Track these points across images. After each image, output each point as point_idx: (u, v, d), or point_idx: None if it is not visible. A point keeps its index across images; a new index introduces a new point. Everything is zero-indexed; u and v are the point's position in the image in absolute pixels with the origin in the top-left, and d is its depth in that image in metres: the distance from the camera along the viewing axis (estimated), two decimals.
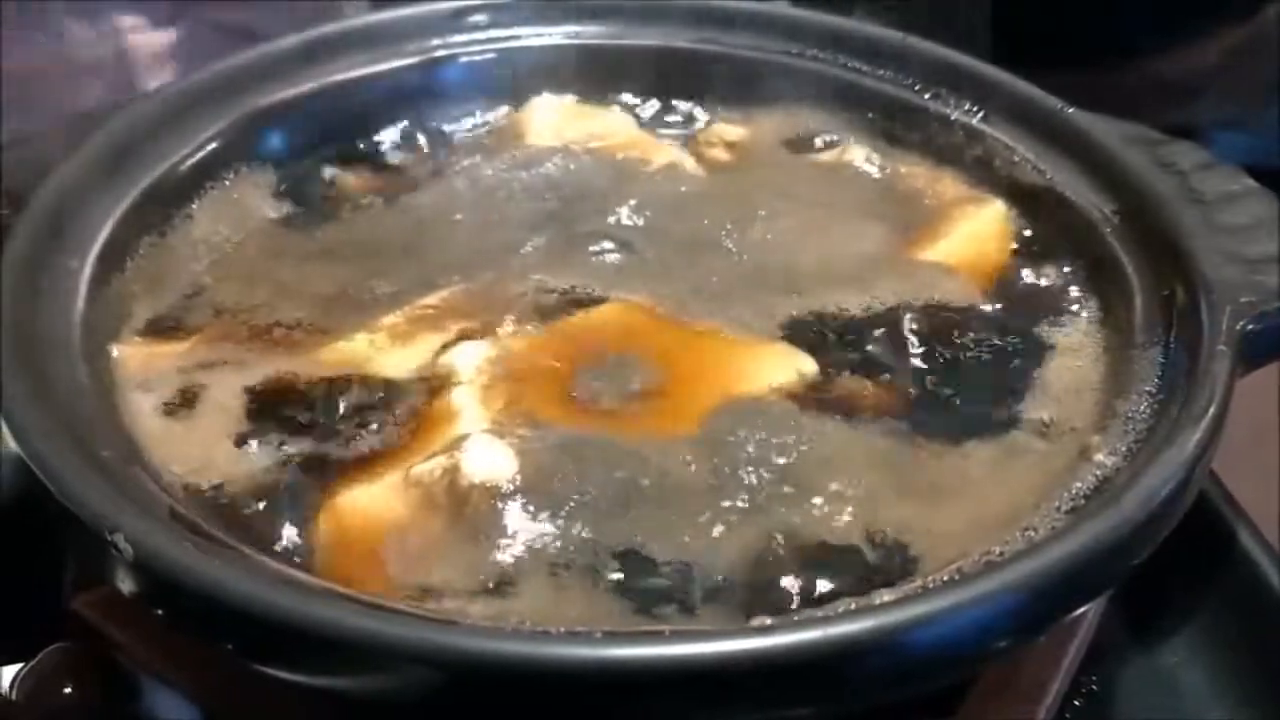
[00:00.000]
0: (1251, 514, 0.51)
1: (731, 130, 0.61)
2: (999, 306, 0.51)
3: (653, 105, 0.63)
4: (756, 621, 0.35)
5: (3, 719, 0.41)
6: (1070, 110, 0.55)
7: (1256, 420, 0.51)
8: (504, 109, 0.61)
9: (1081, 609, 0.38)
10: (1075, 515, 0.38)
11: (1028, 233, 0.54)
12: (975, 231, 0.54)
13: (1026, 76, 0.58)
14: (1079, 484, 0.39)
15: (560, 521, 0.39)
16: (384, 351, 0.46)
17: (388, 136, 0.60)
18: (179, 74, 0.84)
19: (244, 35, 0.85)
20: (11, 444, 0.37)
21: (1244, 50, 0.93)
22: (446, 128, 0.61)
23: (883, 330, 0.48)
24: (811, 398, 0.44)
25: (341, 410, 0.43)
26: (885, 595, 0.35)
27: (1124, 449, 0.40)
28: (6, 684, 0.42)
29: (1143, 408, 0.42)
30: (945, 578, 0.35)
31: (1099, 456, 0.40)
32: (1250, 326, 0.43)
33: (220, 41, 0.85)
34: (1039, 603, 0.34)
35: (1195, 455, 0.38)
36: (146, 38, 0.84)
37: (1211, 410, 0.39)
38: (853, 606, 0.34)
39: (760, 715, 0.33)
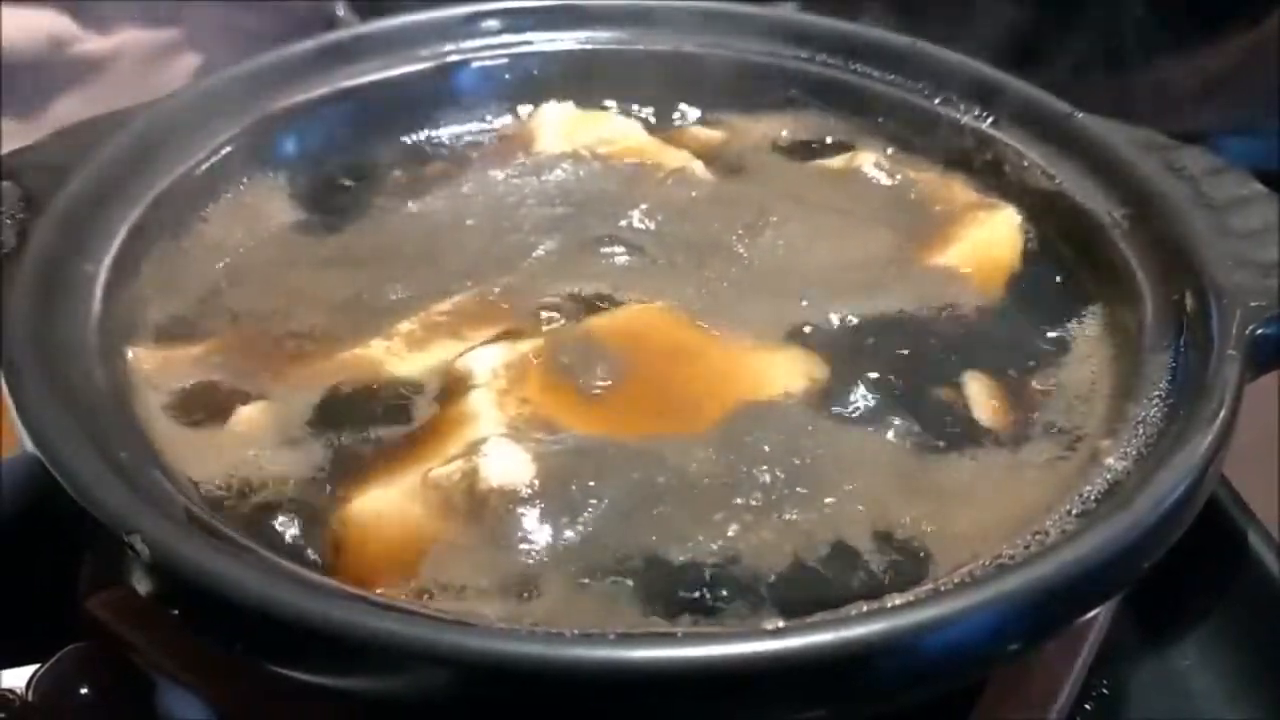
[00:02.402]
0: (1260, 516, 0.51)
1: (740, 134, 0.62)
2: (1010, 311, 0.51)
3: (663, 110, 0.63)
4: (770, 624, 0.35)
5: (20, 719, 0.41)
6: (1080, 115, 0.55)
7: (1265, 423, 0.51)
8: (516, 114, 0.62)
9: (1093, 612, 0.38)
10: (1086, 519, 0.38)
11: (1038, 237, 0.54)
12: (986, 237, 0.54)
13: (1033, 81, 0.58)
14: (1090, 487, 0.40)
15: (578, 524, 0.39)
16: (400, 356, 0.46)
17: (401, 141, 0.60)
18: (179, 72, 0.85)
19: (244, 35, 0.86)
20: (29, 445, 0.38)
21: (1251, 56, 0.93)
22: (459, 133, 0.61)
23: (893, 334, 0.48)
24: (824, 401, 0.45)
25: (358, 414, 0.43)
26: (898, 598, 0.35)
27: (1135, 453, 0.41)
28: (23, 684, 0.42)
29: (1153, 412, 0.42)
30: (957, 580, 0.36)
31: (1110, 460, 0.41)
32: (1260, 331, 0.43)
33: (221, 41, 0.86)
34: (1050, 606, 0.35)
35: (1206, 459, 0.38)
36: (147, 35, 0.85)
37: (1222, 414, 0.39)
38: (865, 609, 0.34)
39: (773, 717, 0.33)
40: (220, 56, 0.87)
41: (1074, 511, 0.39)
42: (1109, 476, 0.40)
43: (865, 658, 0.33)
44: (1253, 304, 0.44)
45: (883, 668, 0.33)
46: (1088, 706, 0.46)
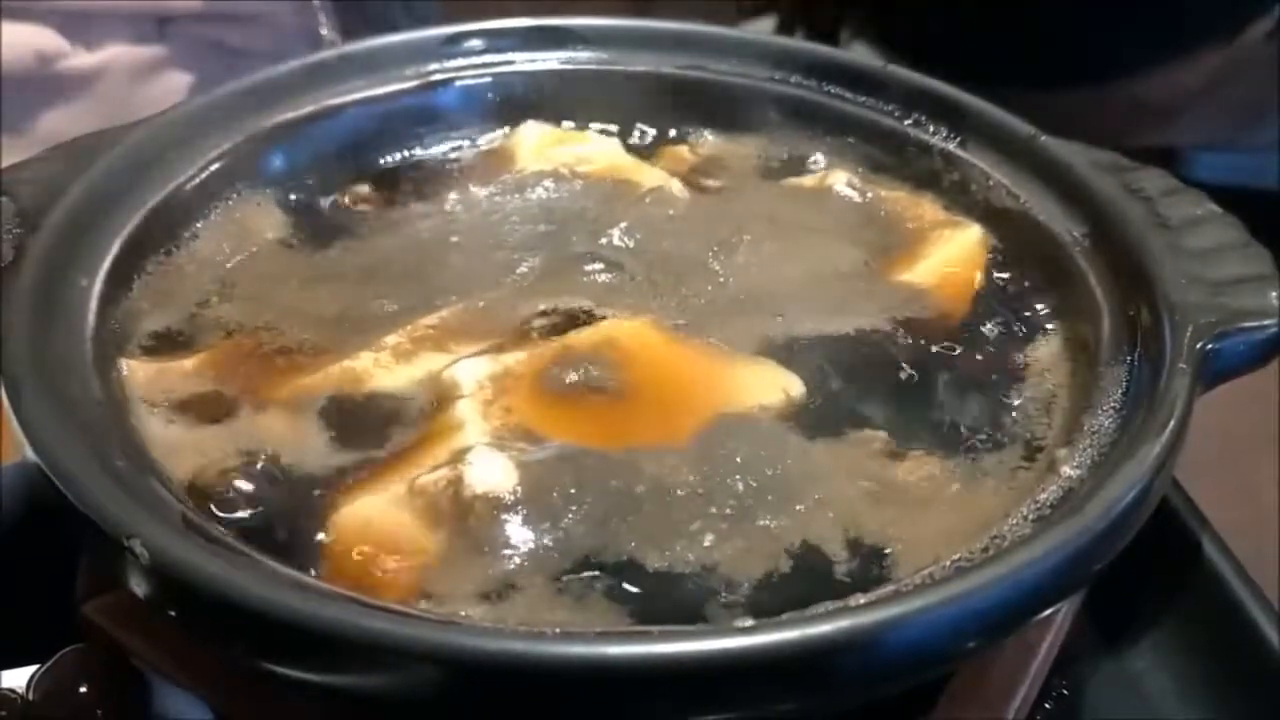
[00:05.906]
0: (1218, 521, 0.53)
1: (716, 154, 0.63)
2: (974, 326, 0.52)
3: (641, 130, 0.65)
4: (740, 622, 0.37)
5: (22, 718, 0.43)
6: (1043, 137, 0.57)
7: (1220, 433, 0.53)
8: (499, 133, 0.63)
9: (1046, 612, 0.40)
10: (1041, 524, 0.40)
11: (1002, 255, 0.56)
12: (952, 255, 0.56)
13: (1011, 97, 0.60)
14: (1045, 495, 0.41)
15: (558, 531, 0.40)
16: (388, 369, 0.47)
17: (386, 159, 0.61)
18: (165, 89, 0.86)
19: (229, 52, 0.88)
20: (31, 455, 0.39)
21: (1225, 72, 0.95)
22: (443, 150, 0.62)
23: (863, 349, 0.50)
24: (797, 414, 0.46)
25: (347, 423, 0.45)
26: (861, 598, 0.37)
27: (1089, 461, 0.42)
28: (24, 684, 0.43)
29: (1107, 423, 0.44)
30: (917, 581, 0.37)
31: (1065, 469, 0.42)
32: (1210, 346, 0.45)
33: (206, 58, 0.87)
34: (1004, 606, 0.36)
35: (1155, 467, 0.40)
36: (134, 51, 0.86)
37: (1171, 425, 0.41)
38: (830, 608, 0.36)
39: (742, 712, 0.35)
40: (205, 73, 0.88)
41: (1030, 517, 0.40)
42: (1064, 484, 0.41)
43: (829, 654, 0.34)
44: (1203, 320, 0.45)
45: (846, 663, 0.35)
46: (1047, 706, 0.48)
